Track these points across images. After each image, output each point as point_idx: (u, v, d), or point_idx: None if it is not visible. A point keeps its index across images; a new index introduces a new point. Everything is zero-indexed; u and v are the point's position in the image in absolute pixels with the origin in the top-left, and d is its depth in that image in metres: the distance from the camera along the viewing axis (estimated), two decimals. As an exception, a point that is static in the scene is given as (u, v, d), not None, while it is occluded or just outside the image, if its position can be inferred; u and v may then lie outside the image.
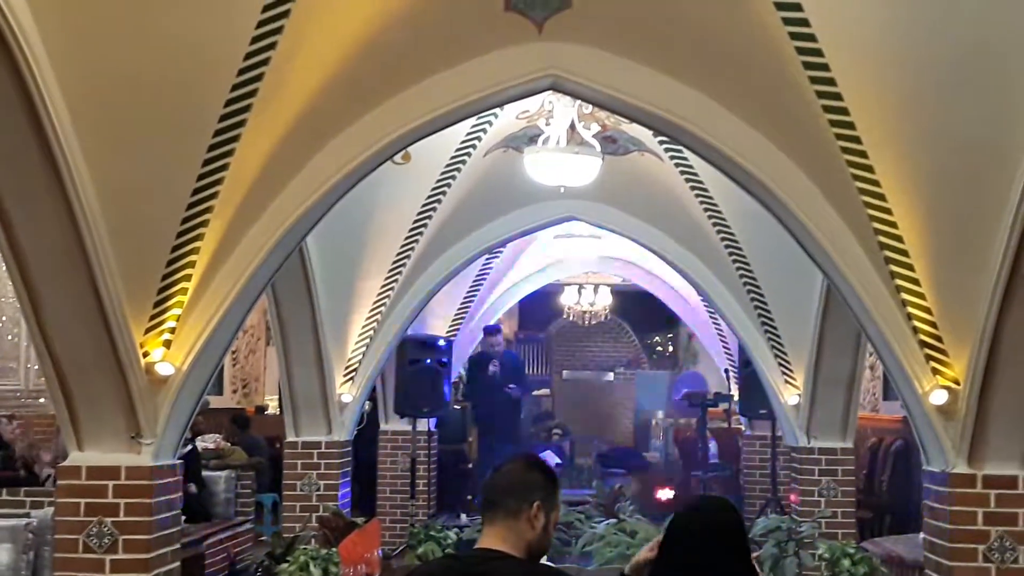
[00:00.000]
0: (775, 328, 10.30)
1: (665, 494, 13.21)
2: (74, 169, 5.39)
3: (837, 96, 5.78)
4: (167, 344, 6.26)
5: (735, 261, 10.16)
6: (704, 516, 4.03)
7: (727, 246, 10.08)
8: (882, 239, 6.15)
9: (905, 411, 6.87)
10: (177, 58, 5.50)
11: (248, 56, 5.59)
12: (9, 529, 7.88)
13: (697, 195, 9.71)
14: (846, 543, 9.04)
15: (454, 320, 13.83)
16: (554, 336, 22.50)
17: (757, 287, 10.21)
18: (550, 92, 7.49)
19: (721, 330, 14.11)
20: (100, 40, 5.30)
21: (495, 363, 15.44)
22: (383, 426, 13.63)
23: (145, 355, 6.20)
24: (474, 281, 13.67)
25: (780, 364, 10.38)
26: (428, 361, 12.14)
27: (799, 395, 10.26)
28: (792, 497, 10.69)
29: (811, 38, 5.62)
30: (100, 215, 5.64)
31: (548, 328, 22.32)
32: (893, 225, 6.10)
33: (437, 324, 13.50)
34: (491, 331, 15.62)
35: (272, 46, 5.57)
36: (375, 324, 10.52)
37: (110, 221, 5.70)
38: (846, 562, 8.51)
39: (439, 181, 9.74)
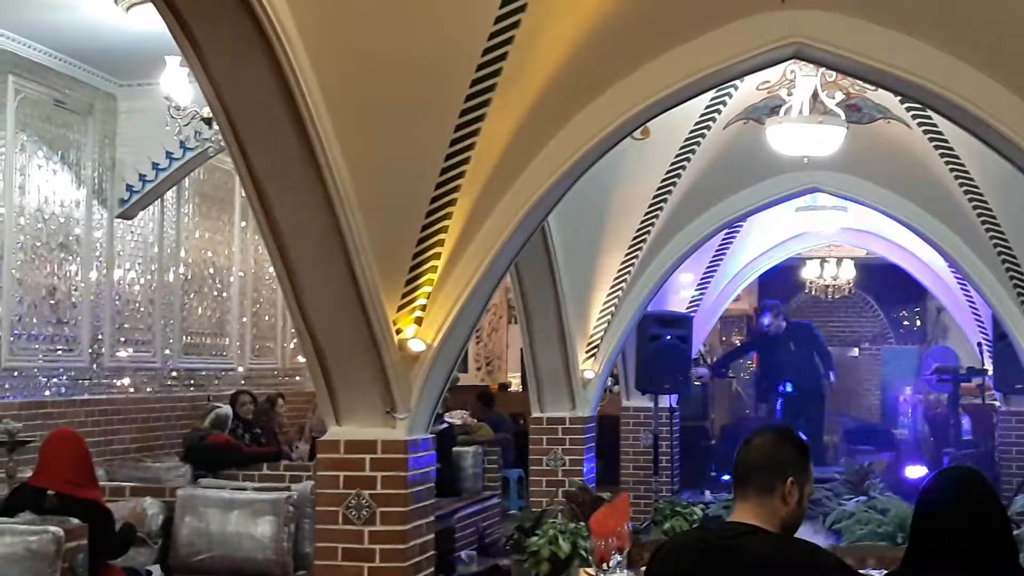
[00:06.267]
0: (1033, 299, 9.89)
1: (915, 472, 12.83)
2: (329, 153, 5.55)
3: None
4: (419, 321, 6.43)
5: (988, 230, 9.77)
6: (955, 487, 3.70)
7: (980, 215, 9.70)
8: None
9: None
10: (424, 41, 5.63)
11: (492, 36, 5.69)
12: (271, 502, 8.23)
13: (947, 162, 9.37)
14: (1110, 522, 8.63)
15: (694, 296, 13.74)
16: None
17: (1012, 256, 9.81)
18: (792, 61, 7.34)
19: (973, 302, 13.64)
20: (351, 25, 5.45)
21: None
22: (625, 403, 13.68)
23: (398, 332, 6.38)
24: (714, 256, 13.54)
25: (1038, 337, 9.97)
26: (668, 337, 12.07)
27: (1059, 368, 9.84)
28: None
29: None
30: (354, 197, 5.80)
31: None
32: None
33: (677, 300, 13.43)
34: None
35: (515, 25, 5.66)
36: (616, 300, 10.55)
37: (363, 203, 5.86)
38: (1111, 541, 8.11)
39: (678, 155, 9.69)
